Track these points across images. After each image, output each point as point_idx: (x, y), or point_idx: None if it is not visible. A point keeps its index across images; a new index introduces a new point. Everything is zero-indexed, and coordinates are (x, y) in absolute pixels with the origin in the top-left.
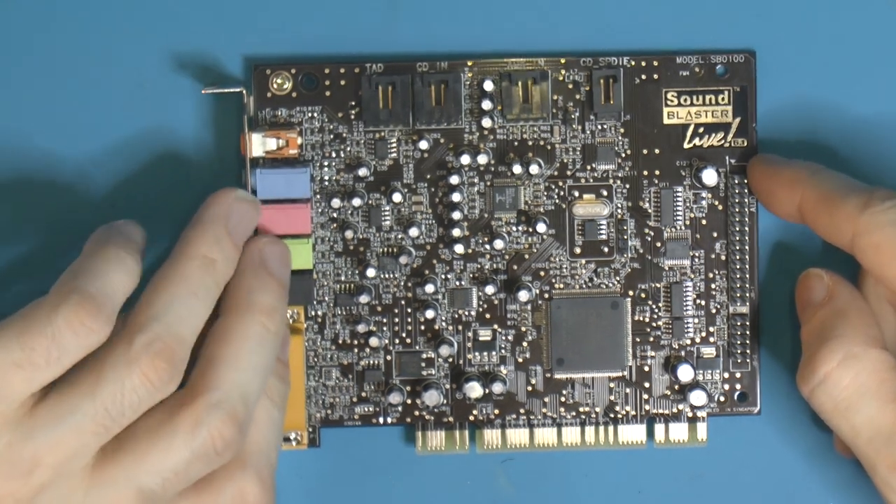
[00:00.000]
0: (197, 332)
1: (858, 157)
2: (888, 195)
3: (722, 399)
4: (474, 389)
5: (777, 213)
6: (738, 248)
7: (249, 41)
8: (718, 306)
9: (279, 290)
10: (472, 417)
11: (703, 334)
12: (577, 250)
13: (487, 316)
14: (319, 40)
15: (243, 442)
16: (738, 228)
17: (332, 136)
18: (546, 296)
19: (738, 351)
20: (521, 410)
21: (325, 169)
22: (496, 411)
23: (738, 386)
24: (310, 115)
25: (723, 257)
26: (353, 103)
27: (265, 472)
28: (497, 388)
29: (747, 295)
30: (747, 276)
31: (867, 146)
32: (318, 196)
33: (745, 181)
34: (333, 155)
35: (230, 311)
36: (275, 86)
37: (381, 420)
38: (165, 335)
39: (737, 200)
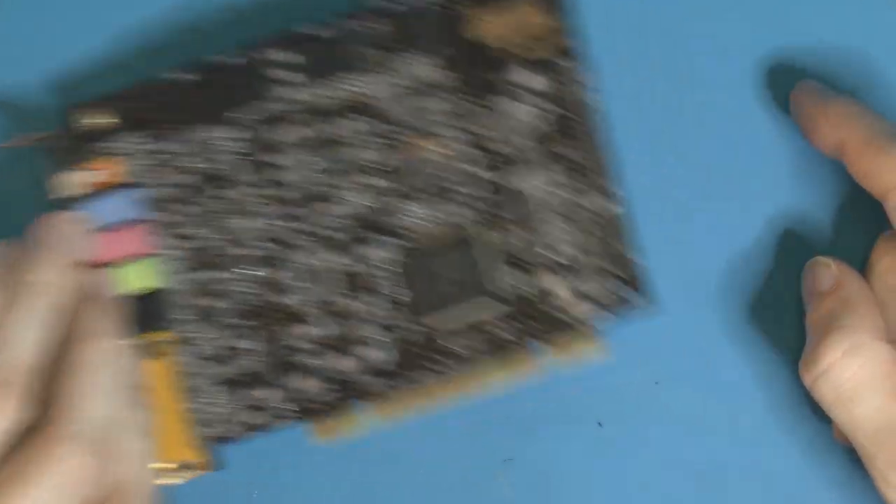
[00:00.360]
0: (36, 356)
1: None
2: None
3: (613, 304)
4: (341, 362)
5: (816, 146)
6: (587, 147)
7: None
8: (587, 213)
9: (108, 314)
10: (359, 393)
11: (575, 244)
12: (421, 196)
13: (349, 287)
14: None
15: (107, 470)
16: (581, 127)
17: (154, 154)
18: (402, 249)
19: (616, 252)
20: (409, 371)
21: (155, 188)
22: (384, 381)
23: (626, 287)
24: (130, 140)
25: (577, 160)
26: (168, 115)
27: (82, 434)
28: (375, 355)
29: (614, 193)
30: (606, 173)
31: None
32: (154, 214)
33: (577, 78)
34: (161, 172)
35: (66, 344)
36: (90, 121)
37: (271, 423)
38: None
39: (571, 96)
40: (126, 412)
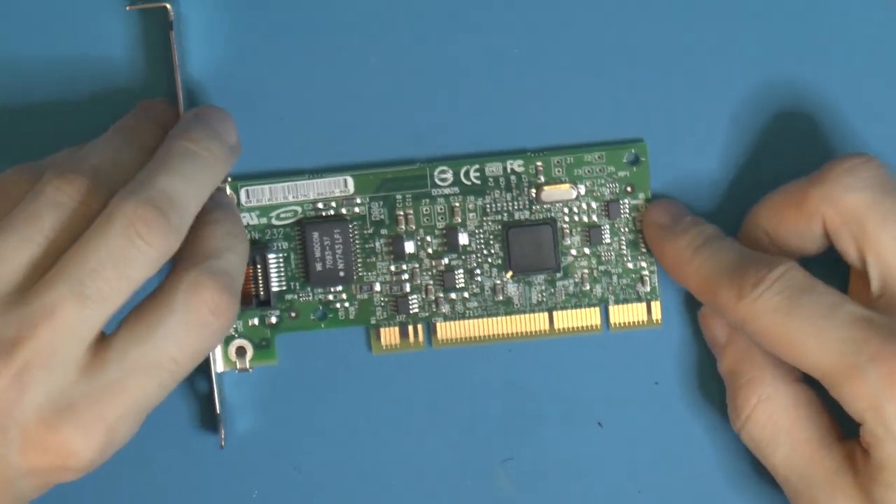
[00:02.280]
0: (111, 159)
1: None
2: (756, 279)
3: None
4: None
5: None
6: None
7: None
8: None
9: (207, 128)
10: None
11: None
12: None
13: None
14: None
15: (172, 232)
16: None
17: None
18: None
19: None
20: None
21: None
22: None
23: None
24: None
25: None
26: None
27: (221, 272)
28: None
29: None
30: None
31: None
32: None
33: None
34: None
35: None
36: None
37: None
38: (69, 168)
39: None
40: (217, 209)
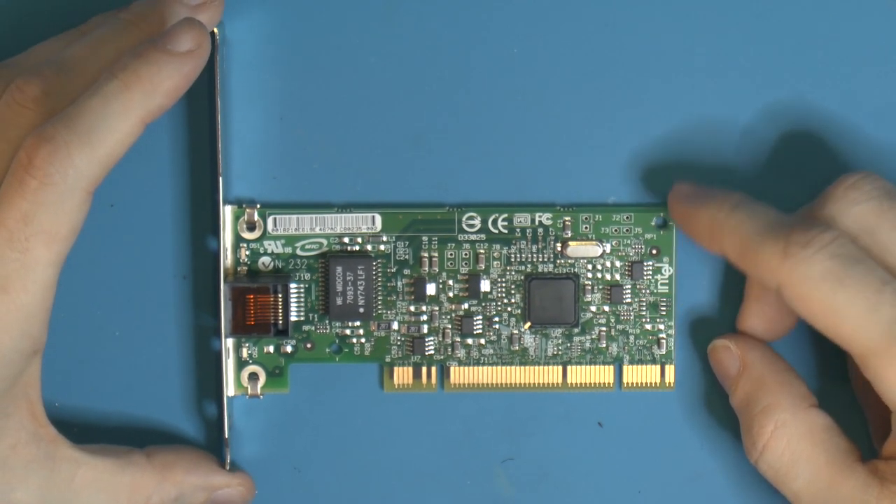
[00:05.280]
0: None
1: None
2: (806, 239)
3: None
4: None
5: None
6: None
7: None
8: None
9: (157, 64)
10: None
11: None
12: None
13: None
14: None
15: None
16: None
17: None
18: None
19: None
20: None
21: None
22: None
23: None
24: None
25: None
26: None
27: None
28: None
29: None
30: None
31: None
32: None
33: None
34: None
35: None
36: None
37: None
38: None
39: None
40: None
